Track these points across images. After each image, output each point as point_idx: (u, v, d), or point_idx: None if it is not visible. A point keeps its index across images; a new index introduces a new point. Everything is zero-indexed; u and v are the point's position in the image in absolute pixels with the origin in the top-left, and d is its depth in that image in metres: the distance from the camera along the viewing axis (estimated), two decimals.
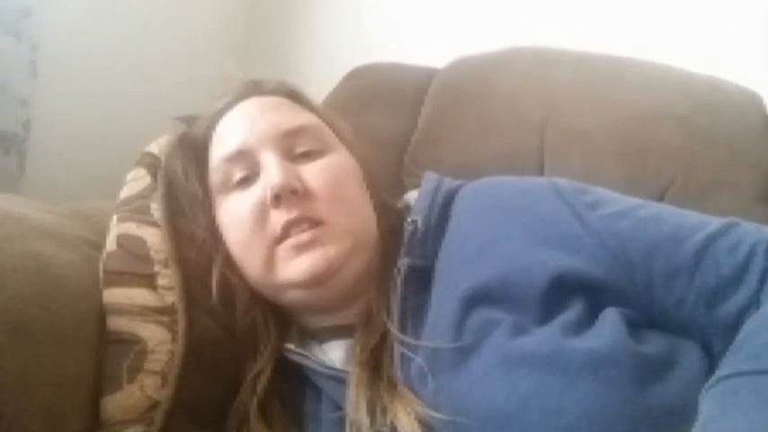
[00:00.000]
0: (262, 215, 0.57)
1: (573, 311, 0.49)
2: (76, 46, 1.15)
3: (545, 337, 0.47)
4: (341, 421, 0.53)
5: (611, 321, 0.48)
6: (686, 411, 0.43)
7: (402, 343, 0.52)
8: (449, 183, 0.63)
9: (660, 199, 0.73)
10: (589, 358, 0.45)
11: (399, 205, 0.67)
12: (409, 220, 0.58)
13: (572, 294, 0.50)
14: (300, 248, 0.56)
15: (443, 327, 0.51)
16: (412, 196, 0.65)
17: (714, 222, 0.52)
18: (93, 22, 1.18)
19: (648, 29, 1.01)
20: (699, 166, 0.74)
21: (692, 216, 0.54)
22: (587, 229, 0.52)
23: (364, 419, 0.50)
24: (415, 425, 0.47)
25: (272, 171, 0.57)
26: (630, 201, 0.56)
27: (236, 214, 0.59)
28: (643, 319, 0.50)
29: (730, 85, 0.80)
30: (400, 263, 0.56)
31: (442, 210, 0.59)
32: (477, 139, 0.85)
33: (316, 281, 0.56)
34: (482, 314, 0.50)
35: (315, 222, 0.56)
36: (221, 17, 1.43)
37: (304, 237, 0.56)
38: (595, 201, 0.55)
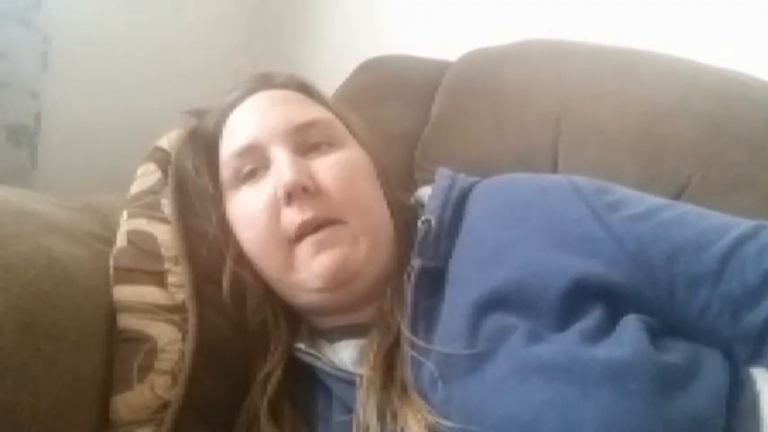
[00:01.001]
0: (274, 213, 0.56)
1: (592, 318, 0.47)
2: (87, 38, 1.15)
3: (562, 345, 0.46)
4: (351, 424, 0.52)
5: (632, 329, 0.46)
6: (709, 422, 0.42)
7: (413, 346, 0.51)
8: (463, 180, 0.61)
9: (678, 197, 0.71)
10: (609, 368, 0.43)
11: (411, 201, 0.66)
12: (422, 219, 0.57)
13: (591, 300, 0.48)
14: (319, 247, 0.55)
15: (456, 332, 0.50)
16: (425, 192, 0.64)
17: (740, 226, 0.50)
18: (104, 13, 1.18)
19: (665, 21, 0.99)
20: (717, 163, 0.72)
21: (717, 218, 0.52)
22: (608, 232, 0.51)
23: (374, 424, 0.49)
24: None
25: (284, 168, 0.56)
26: (653, 201, 0.54)
27: (247, 211, 0.59)
28: (664, 327, 0.49)
29: (750, 79, 0.77)
30: (412, 264, 0.55)
31: (456, 208, 0.58)
32: (489, 134, 0.84)
33: (335, 283, 0.55)
34: (496, 320, 0.49)
35: (330, 222, 0.56)
36: (231, 10, 1.42)
37: (321, 235, 0.55)
38: (616, 201, 0.53)
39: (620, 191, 0.56)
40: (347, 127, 0.65)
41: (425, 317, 0.53)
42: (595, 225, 0.51)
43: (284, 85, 0.65)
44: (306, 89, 0.66)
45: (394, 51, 1.02)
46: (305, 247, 0.55)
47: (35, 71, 1.05)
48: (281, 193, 0.55)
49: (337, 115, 0.65)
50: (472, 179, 0.62)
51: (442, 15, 1.23)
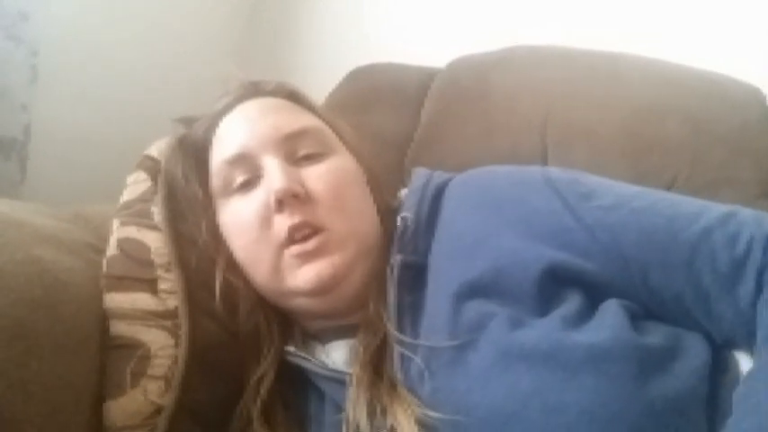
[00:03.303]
0: (265, 220, 0.57)
1: (572, 303, 0.48)
2: (76, 50, 1.15)
3: (545, 331, 0.46)
4: (343, 423, 0.52)
5: (612, 313, 0.47)
6: (690, 403, 0.43)
7: (400, 342, 0.52)
8: (439, 176, 0.62)
9: None
10: (590, 353, 0.44)
11: (395, 204, 0.67)
12: (400, 216, 0.57)
13: (568, 286, 0.49)
14: (306, 257, 0.55)
15: (440, 324, 0.50)
16: (405, 193, 0.65)
17: (711, 212, 0.50)
18: (93, 25, 1.18)
19: (649, 25, 1.01)
20: (701, 163, 0.73)
21: (688, 205, 0.52)
22: (580, 223, 0.51)
23: (363, 421, 0.50)
24: (414, 428, 0.47)
25: (275, 176, 0.56)
26: (625, 190, 0.55)
27: (239, 219, 0.59)
28: (644, 311, 0.50)
29: (732, 81, 0.79)
30: (393, 260, 0.55)
31: (433, 204, 0.58)
32: (478, 139, 0.85)
33: (322, 289, 0.56)
34: (476, 307, 0.49)
35: (318, 228, 0.56)
36: (222, 19, 1.43)
37: (309, 245, 0.55)
38: (589, 191, 0.54)
39: (593, 180, 0.56)
40: (337, 134, 0.65)
41: (410, 312, 0.54)
42: (567, 216, 0.52)
43: (274, 93, 0.66)
44: (295, 97, 0.66)
45: (383, 59, 1.03)
46: (291, 257, 0.56)
47: (24, 84, 1.05)
48: (272, 200, 0.56)
49: (327, 122, 0.66)
50: (448, 175, 0.62)
51: (430, 23, 1.24)
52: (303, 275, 0.55)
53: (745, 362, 0.47)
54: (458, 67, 0.94)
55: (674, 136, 0.75)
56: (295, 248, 0.56)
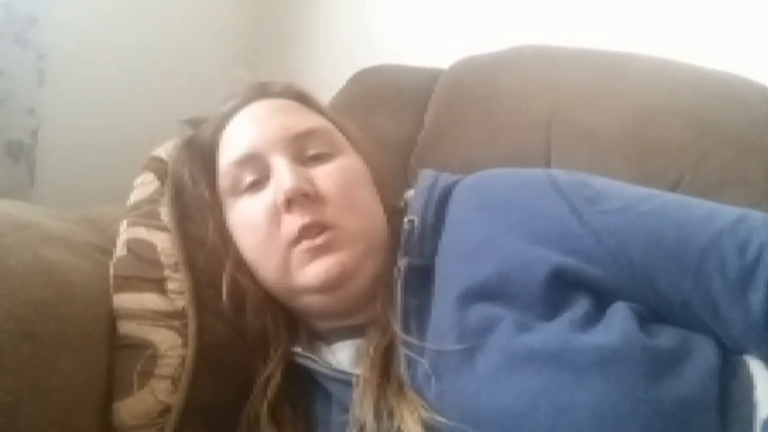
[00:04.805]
0: (274, 220, 0.57)
1: (579, 307, 0.48)
2: (83, 54, 1.16)
3: (552, 333, 0.46)
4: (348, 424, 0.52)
5: (620, 316, 0.47)
6: (700, 405, 0.42)
7: (407, 344, 0.52)
8: (445, 179, 0.62)
9: None
10: (599, 354, 0.44)
11: (401, 205, 0.67)
12: (407, 219, 0.57)
13: (575, 291, 0.49)
14: (315, 253, 0.56)
15: (446, 327, 0.50)
16: (411, 194, 0.65)
17: (721, 218, 0.49)
18: (100, 29, 1.19)
19: (654, 24, 1.01)
20: (708, 162, 0.73)
21: (698, 209, 0.52)
22: (586, 228, 0.51)
23: (370, 422, 0.49)
24: (421, 430, 0.46)
25: (284, 175, 0.56)
26: (634, 192, 0.54)
27: (248, 219, 0.59)
28: (652, 314, 0.49)
29: (738, 80, 0.79)
30: (399, 263, 0.55)
31: (439, 207, 0.58)
32: (483, 139, 0.85)
33: (330, 285, 0.56)
34: (482, 310, 0.49)
35: (327, 227, 0.56)
36: (227, 23, 1.44)
37: (318, 240, 0.55)
38: (596, 194, 0.53)
39: (600, 183, 0.56)
40: (344, 135, 0.66)
41: (416, 315, 0.54)
42: (574, 221, 0.51)
43: (281, 95, 0.66)
44: (302, 98, 0.67)
45: (387, 61, 1.03)
46: (301, 252, 0.56)
47: (32, 88, 1.05)
48: (281, 199, 0.56)
49: (334, 123, 0.66)
50: (454, 177, 0.62)
51: (434, 25, 1.25)
52: (312, 271, 0.56)
53: (755, 365, 0.46)
54: (461, 68, 0.94)
55: (678, 136, 0.75)
56: (304, 244, 0.56)
